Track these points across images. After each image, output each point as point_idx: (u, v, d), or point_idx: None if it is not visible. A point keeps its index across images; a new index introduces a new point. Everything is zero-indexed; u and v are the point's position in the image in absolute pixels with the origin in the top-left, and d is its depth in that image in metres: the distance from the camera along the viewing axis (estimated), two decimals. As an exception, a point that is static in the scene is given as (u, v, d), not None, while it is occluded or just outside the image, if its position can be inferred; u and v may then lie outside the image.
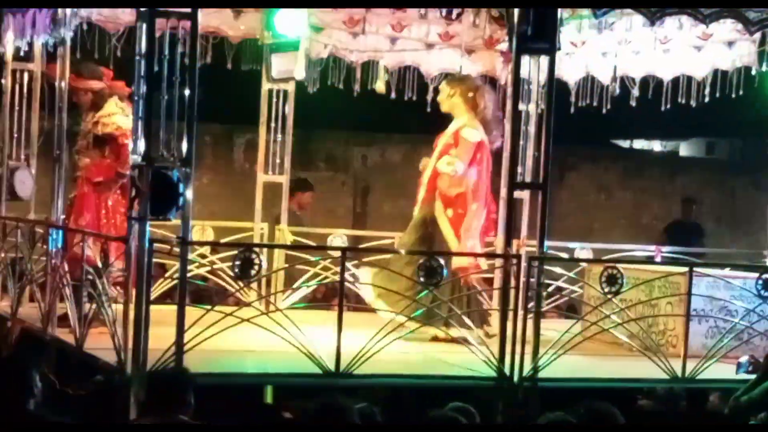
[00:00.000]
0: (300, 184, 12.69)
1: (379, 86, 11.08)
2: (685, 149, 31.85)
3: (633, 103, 11.58)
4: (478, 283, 9.85)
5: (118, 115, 9.44)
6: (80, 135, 9.70)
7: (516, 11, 8.11)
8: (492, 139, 10.05)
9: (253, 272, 7.77)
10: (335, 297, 8.99)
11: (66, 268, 8.72)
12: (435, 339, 9.14)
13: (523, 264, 8.17)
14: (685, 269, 9.00)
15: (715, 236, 16.92)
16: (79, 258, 8.47)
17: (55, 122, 9.30)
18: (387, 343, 7.95)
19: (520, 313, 8.11)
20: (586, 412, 6.32)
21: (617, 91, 11.30)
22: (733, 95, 10.76)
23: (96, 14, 9.28)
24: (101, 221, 9.43)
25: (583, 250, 11.70)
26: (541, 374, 8.16)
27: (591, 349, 8.86)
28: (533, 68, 8.44)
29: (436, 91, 11.67)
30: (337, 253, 8.67)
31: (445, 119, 10.26)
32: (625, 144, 29.04)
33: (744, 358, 8.80)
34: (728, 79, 10.75)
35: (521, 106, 9.19)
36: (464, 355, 8.26)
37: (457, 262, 9.46)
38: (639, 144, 30.89)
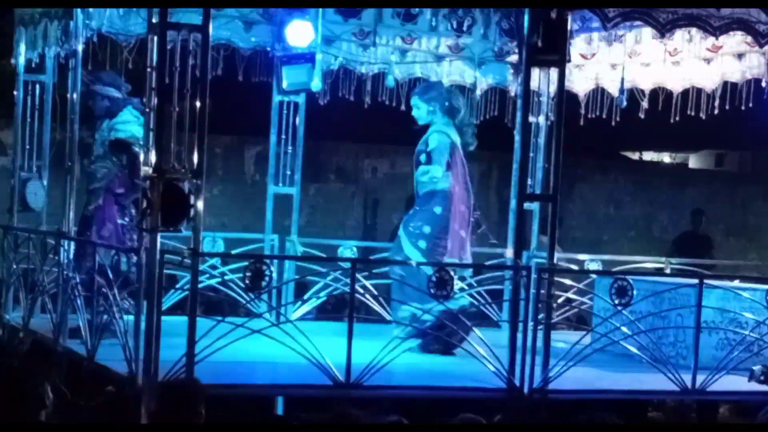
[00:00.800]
0: None
1: None
2: (694, 161, 31.84)
3: (642, 115, 11.59)
4: None
5: (133, 124, 9.48)
6: (96, 144, 9.75)
7: (526, 24, 8.14)
8: (468, 143, 10.11)
9: (263, 283, 7.79)
10: (345, 308, 9.00)
11: (78, 279, 8.75)
12: None
13: (533, 275, 8.18)
14: (695, 281, 9.00)
15: (724, 248, 16.91)
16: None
17: (67, 134, 9.33)
18: (397, 354, 7.96)
19: (530, 324, 8.12)
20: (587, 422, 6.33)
21: (624, 103, 11.31)
22: (743, 107, 10.77)
23: (107, 26, 9.31)
24: (124, 232, 9.46)
25: (592, 261, 11.71)
26: (551, 386, 8.16)
27: (601, 361, 8.86)
28: (543, 80, 8.46)
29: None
30: (348, 265, 8.68)
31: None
32: (634, 156, 29.05)
33: (757, 367, 8.81)
34: (738, 91, 10.76)
35: (531, 118, 9.20)
36: (474, 366, 8.26)
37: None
38: (648, 156, 30.90)
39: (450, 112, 10.04)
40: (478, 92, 11.62)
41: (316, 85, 10.39)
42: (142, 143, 8.91)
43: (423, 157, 10.01)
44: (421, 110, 10.09)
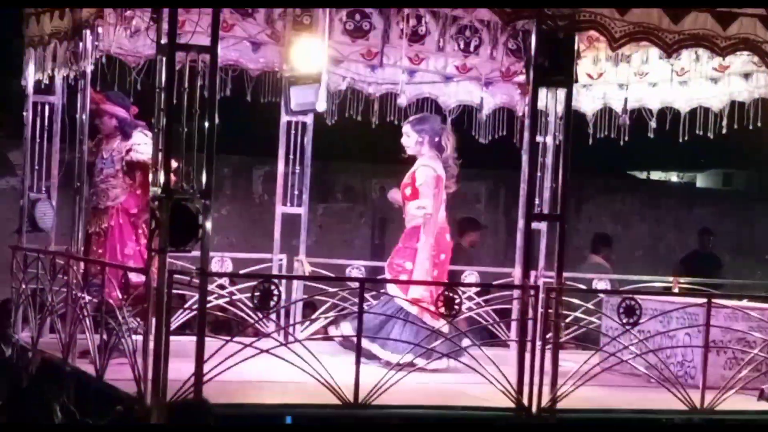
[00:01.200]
0: (470, 223, 13.72)
1: None
2: (702, 180, 31.87)
3: (650, 135, 11.61)
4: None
5: (148, 146, 9.53)
6: (104, 162, 9.77)
7: (533, 44, 8.17)
8: (449, 184, 10.13)
9: (272, 303, 7.80)
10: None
11: (87, 299, 8.77)
12: None
13: (541, 295, 8.19)
14: (704, 300, 9.00)
15: (732, 267, 16.89)
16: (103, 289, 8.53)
17: (76, 154, 9.37)
18: (405, 374, 7.97)
19: (538, 344, 8.12)
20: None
21: (627, 122, 11.33)
22: (750, 127, 10.78)
23: (116, 47, 9.35)
24: (143, 252, 9.49)
25: (600, 281, 11.71)
26: (560, 405, 8.16)
27: (609, 381, 8.85)
28: (551, 100, 8.49)
29: (454, 122, 11.76)
30: (356, 284, 8.69)
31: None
32: (642, 175, 29.09)
33: (767, 386, 8.81)
34: (745, 111, 10.77)
35: (539, 138, 9.22)
36: (483, 386, 8.26)
37: (414, 293, 9.56)
38: (656, 175, 30.93)
39: (438, 147, 10.08)
40: (486, 112, 11.65)
41: (321, 105, 10.43)
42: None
43: (408, 190, 10.04)
44: (410, 139, 10.13)
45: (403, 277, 9.78)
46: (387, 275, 10.02)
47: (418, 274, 9.74)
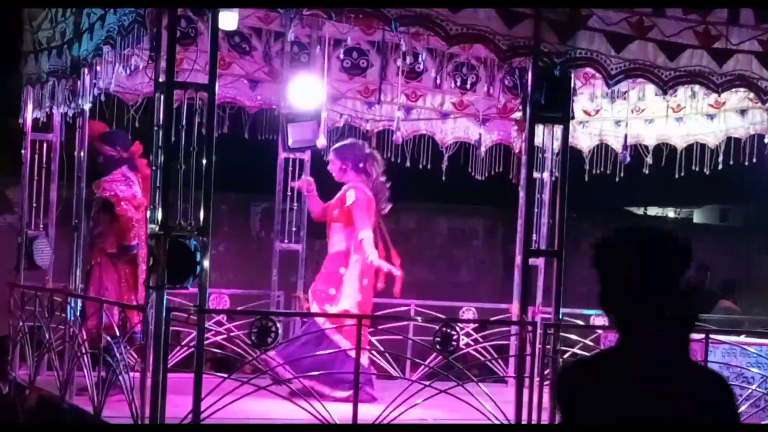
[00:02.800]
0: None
1: None
2: (699, 216, 31.88)
3: (646, 171, 11.64)
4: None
5: (119, 183, 9.47)
6: (93, 201, 9.79)
7: (530, 81, 8.21)
8: (382, 206, 10.16)
9: (269, 340, 7.80)
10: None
11: (84, 336, 8.76)
12: None
13: (539, 331, 8.19)
14: (701, 336, 9.00)
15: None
16: (100, 327, 8.52)
17: (74, 192, 9.38)
18: (404, 410, 7.95)
19: (536, 380, 8.12)
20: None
21: (627, 160, 11.36)
22: (747, 162, 10.82)
23: (114, 85, 9.39)
24: (123, 292, 9.45)
25: (598, 317, 11.70)
26: (558, 442, 8.15)
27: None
28: (547, 137, 8.52)
29: (451, 158, 11.80)
30: (353, 321, 8.70)
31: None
32: (639, 211, 29.09)
33: None
34: (741, 147, 10.81)
35: (535, 174, 9.25)
36: (481, 423, 8.24)
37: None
38: (653, 211, 30.94)
39: (364, 172, 10.09)
40: (483, 149, 11.68)
41: (321, 141, 10.47)
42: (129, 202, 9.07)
43: (336, 212, 10.04)
44: (335, 166, 10.17)
45: (327, 306, 9.79)
46: (312, 301, 10.00)
47: (346, 301, 9.77)
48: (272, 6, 8.89)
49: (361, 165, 10.09)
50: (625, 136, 11.41)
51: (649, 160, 11.58)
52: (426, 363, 9.15)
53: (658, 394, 3.56)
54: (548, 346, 8.17)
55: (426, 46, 9.94)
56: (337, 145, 10.36)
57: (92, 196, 9.64)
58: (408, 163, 11.65)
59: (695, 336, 9.24)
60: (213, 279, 7.65)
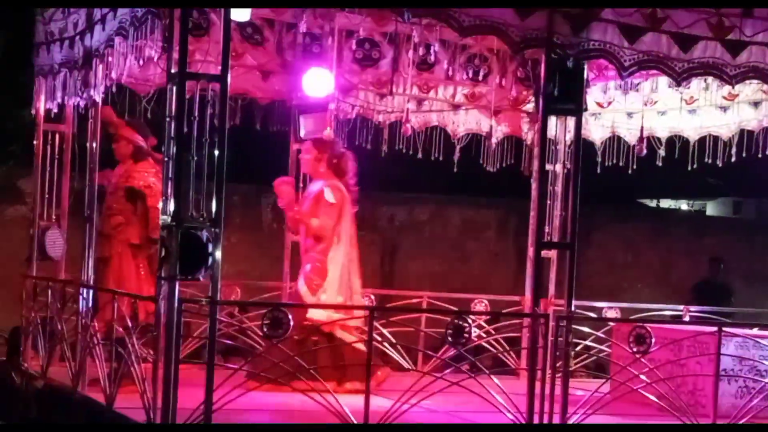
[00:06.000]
0: None
1: None
2: (712, 208, 31.83)
3: (659, 163, 11.61)
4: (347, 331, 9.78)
5: (150, 174, 9.55)
6: (109, 191, 9.80)
7: (542, 73, 8.18)
8: (352, 206, 10.25)
9: (281, 331, 7.78)
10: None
11: (97, 327, 8.77)
12: None
13: (551, 323, 8.17)
14: (714, 329, 8.97)
15: (743, 295, 16.85)
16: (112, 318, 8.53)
17: (86, 182, 9.39)
18: (415, 402, 7.94)
19: (549, 372, 8.10)
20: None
21: (644, 152, 11.32)
22: (760, 155, 10.78)
23: (126, 76, 9.39)
24: (142, 283, 9.48)
25: (611, 309, 11.69)
26: (570, 434, 8.14)
27: (620, 409, 8.82)
28: (560, 129, 8.50)
29: (462, 150, 11.78)
30: (365, 312, 8.69)
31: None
32: (652, 203, 29.06)
33: None
34: (754, 139, 10.77)
35: (548, 166, 9.22)
36: (493, 415, 8.24)
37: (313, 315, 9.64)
38: (666, 203, 30.90)
39: (336, 170, 10.10)
40: (495, 140, 11.66)
41: (328, 133, 10.45)
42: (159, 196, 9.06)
43: (306, 205, 10.07)
44: (309, 156, 10.19)
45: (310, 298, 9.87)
46: (303, 286, 10.03)
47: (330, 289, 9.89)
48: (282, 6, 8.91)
49: (335, 161, 10.11)
50: (641, 128, 11.37)
51: (662, 152, 11.54)
52: (438, 355, 9.13)
53: None
54: (560, 339, 8.15)
55: (438, 38, 9.91)
56: (313, 137, 10.37)
57: (105, 184, 9.67)
58: (420, 155, 11.63)
59: (708, 329, 9.25)
60: (224, 270, 7.63)
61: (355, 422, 7.76)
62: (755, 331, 9.86)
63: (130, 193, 9.64)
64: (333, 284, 9.98)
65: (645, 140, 11.37)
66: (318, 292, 9.94)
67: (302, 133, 10.79)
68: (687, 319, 11.94)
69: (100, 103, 9.26)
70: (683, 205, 32.31)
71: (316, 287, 9.95)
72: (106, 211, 9.77)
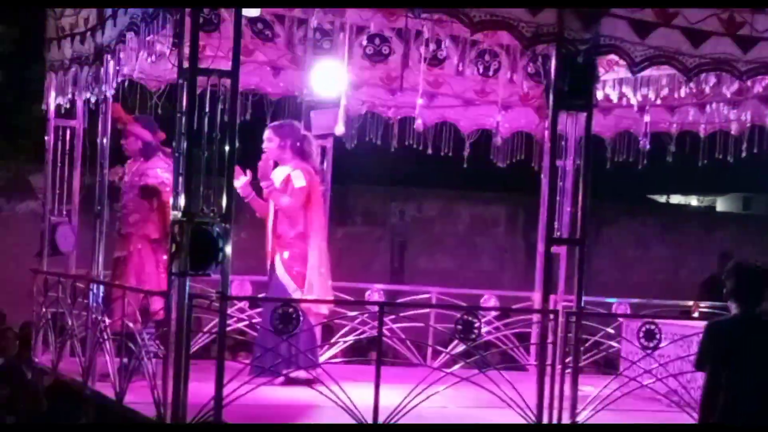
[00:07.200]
0: None
1: None
2: (722, 204, 31.79)
3: (669, 159, 11.59)
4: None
5: (163, 170, 9.58)
6: (123, 188, 9.83)
7: (553, 68, 8.18)
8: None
9: (291, 326, 7.80)
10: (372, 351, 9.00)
11: (107, 321, 8.80)
12: None
13: (561, 319, 8.18)
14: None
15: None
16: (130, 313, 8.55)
17: (97, 178, 9.41)
18: (425, 398, 7.95)
19: (558, 368, 8.11)
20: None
21: (647, 146, 11.32)
22: (770, 151, 10.78)
23: (137, 72, 9.40)
24: (162, 279, 9.51)
25: (620, 305, 11.67)
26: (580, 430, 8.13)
27: (629, 405, 8.82)
28: (570, 124, 8.49)
29: (472, 146, 11.77)
30: (375, 308, 8.70)
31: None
32: (661, 199, 29.03)
33: None
34: (765, 135, 10.75)
35: (558, 162, 9.22)
36: (503, 411, 8.24)
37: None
38: (676, 199, 30.88)
39: (301, 154, 10.10)
40: (505, 136, 11.65)
41: (339, 129, 10.46)
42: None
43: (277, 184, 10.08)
44: (272, 143, 10.15)
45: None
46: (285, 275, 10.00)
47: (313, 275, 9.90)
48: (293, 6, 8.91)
49: (298, 144, 10.11)
50: (646, 124, 11.37)
51: (672, 148, 11.53)
52: (447, 351, 9.14)
53: None
54: (570, 334, 8.16)
55: (449, 33, 9.90)
56: (274, 123, 10.40)
57: (115, 180, 9.70)
58: (430, 151, 11.64)
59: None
60: (235, 266, 7.64)
61: (362, 417, 7.77)
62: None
63: (145, 191, 9.67)
64: (314, 271, 9.94)
65: (648, 135, 11.37)
66: (303, 283, 9.89)
67: (312, 129, 10.79)
68: (696, 314, 11.92)
69: (111, 99, 9.28)
70: (693, 201, 32.26)
71: (297, 274, 9.93)
72: (123, 210, 9.80)
